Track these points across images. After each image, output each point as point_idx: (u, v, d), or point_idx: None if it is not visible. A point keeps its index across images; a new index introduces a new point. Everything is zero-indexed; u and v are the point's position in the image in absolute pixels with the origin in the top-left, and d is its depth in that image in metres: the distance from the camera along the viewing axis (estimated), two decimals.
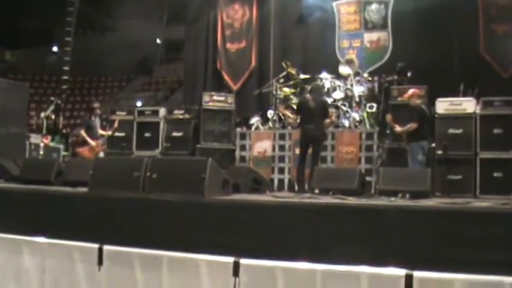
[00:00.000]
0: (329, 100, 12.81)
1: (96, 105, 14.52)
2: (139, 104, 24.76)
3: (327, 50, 16.24)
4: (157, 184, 7.73)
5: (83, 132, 13.74)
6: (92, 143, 13.37)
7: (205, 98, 13.99)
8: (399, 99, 12.29)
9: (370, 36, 16.05)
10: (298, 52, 16.71)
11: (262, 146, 13.25)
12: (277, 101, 13.94)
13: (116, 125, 13.72)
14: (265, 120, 14.12)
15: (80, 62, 25.51)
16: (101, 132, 13.77)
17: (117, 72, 30.14)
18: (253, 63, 17.50)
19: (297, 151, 12.03)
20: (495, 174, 10.94)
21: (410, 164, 10.88)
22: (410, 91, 11.53)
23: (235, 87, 17.41)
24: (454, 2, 14.46)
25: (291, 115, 13.16)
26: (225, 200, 7.59)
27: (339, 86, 13.48)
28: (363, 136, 12.42)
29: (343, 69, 14.09)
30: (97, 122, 13.77)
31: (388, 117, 11.69)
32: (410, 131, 11.03)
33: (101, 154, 13.61)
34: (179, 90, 25.24)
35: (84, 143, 13.59)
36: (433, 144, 11.50)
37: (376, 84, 13.92)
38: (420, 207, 6.83)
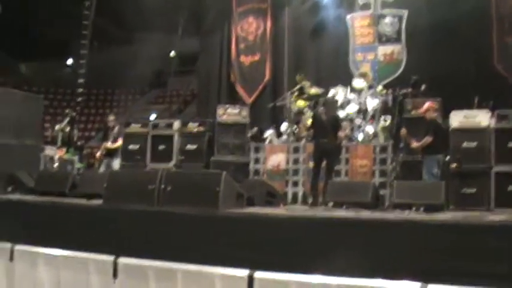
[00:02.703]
0: (343, 113, 12.82)
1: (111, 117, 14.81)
2: (153, 116, 24.80)
3: (340, 63, 16.26)
4: (172, 197, 7.75)
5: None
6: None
7: (220, 111, 13.98)
8: (413, 112, 12.22)
9: (384, 50, 16.05)
10: (312, 65, 16.76)
11: (276, 159, 13.24)
12: (292, 114, 13.96)
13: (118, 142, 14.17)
14: (279, 133, 14.13)
15: (95, 74, 25.58)
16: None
17: (131, 85, 30.18)
18: (267, 76, 17.53)
19: (311, 164, 12.02)
20: (510, 188, 10.85)
21: (425, 177, 10.85)
22: (426, 105, 11.47)
23: (249, 100, 17.42)
24: (467, 15, 14.42)
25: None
26: (239, 213, 7.60)
27: (353, 99, 13.50)
28: (377, 149, 12.40)
29: (357, 83, 14.10)
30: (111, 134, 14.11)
31: (403, 131, 11.64)
32: (426, 145, 11.02)
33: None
34: (193, 103, 25.26)
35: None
36: (448, 158, 11.45)
37: (390, 97, 13.88)
38: (434, 221, 6.80)
